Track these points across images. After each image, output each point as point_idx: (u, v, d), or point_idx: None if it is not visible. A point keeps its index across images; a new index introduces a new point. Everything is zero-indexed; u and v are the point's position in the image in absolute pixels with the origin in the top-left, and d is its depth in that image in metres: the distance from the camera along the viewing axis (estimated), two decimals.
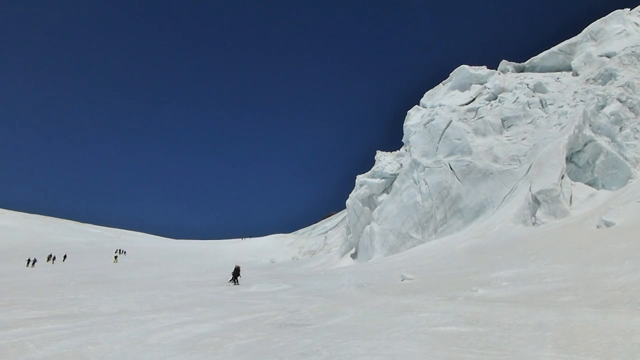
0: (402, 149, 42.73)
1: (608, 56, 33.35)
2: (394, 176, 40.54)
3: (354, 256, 41.69)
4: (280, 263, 55.75)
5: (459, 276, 13.38)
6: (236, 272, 21.65)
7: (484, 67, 40.96)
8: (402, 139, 42.72)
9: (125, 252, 55.41)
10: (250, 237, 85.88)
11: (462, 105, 38.04)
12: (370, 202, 41.52)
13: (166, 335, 7.80)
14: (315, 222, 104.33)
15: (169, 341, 7.25)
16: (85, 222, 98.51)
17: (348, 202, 43.29)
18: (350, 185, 44.90)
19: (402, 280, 15.11)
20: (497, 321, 6.59)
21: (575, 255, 12.04)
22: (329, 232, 78.45)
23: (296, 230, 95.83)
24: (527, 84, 35.81)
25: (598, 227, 14.91)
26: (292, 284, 19.77)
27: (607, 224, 14.58)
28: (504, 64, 41.41)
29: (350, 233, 44.51)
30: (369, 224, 39.58)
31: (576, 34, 38.88)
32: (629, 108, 28.01)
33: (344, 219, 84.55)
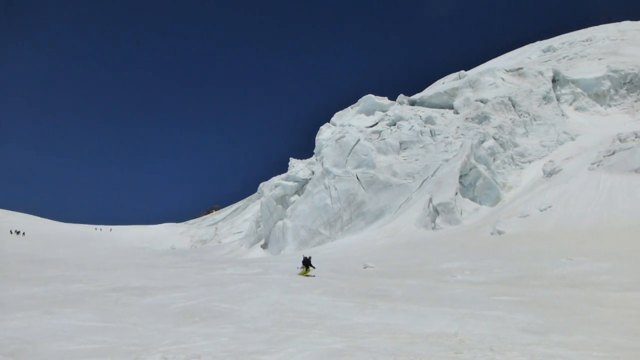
0: (313, 158, 49.35)
1: (482, 101, 43.26)
2: (306, 180, 46.91)
3: (264, 247, 47.25)
4: (181, 250, 59.19)
5: (413, 266, 18.84)
6: None
7: (386, 97, 49.45)
8: (312, 149, 49.62)
9: (24, 234, 54.27)
10: (112, 225, 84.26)
11: (368, 127, 45.82)
12: (283, 201, 47.34)
13: None
14: (194, 216, 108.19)
15: None
16: None
17: (263, 199, 48.68)
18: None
19: (364, 267, 19.30)
20: (505, 292, 13.12)
21: (492, 254, 18.90)
22: (219, 223, 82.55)
23: (185, 220, 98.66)
24: (420, 116, 44.64)
25: (492, 234, 22.85)
26: (262, 268, 23.97)
27: (499, 232, 22.52)
28: (401, 97, 50.28)
29: (260, 227, 49.95)
30: (281, 219, 45.44)
31: (455, 71, 50.09)
32: (500, 144, 37.86)
33: (232, 212, 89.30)
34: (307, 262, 18.53)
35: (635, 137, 28.19)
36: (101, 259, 32.53)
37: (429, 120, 43.78)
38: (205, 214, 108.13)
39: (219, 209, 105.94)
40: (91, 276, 16.56)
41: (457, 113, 44.65)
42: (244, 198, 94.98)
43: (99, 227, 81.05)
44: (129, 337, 6.76)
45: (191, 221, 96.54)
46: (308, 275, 17.97)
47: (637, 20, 66.36)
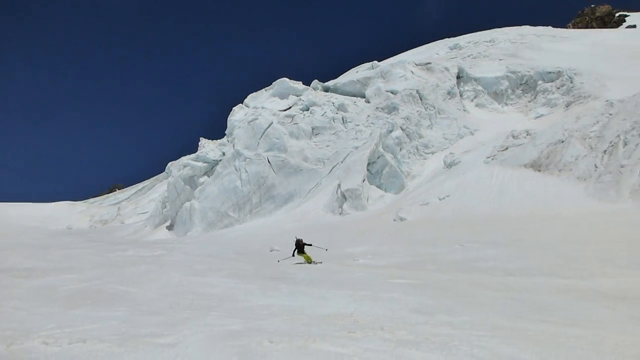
0: (225, 139, 48.34)
1: (393, 92, 44.74)
2: (216, 162, 45.99)
3: (169, 228, 45.86)
4: (78, 230, 55.80)
5: (321, 250, 19.77)
6: None
7: (300, 82, 49.41)
8: (224, 130, 48.51)
9: None
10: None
11: (281, 110, 45.69)
12: (191, 182, 46.09)
13: None
14: (95, 195, 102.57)
15: None
16: None
17: (170, 179, 47.01)
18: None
19: (270, 251, 19.79)
20: (399, 276, 13.71)
21: (394, 239, 19.80)
22: (122, 203, 78.73)
23: (85, 199, 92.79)
24: (333, 103, 45.29)
25: (394, 221, 23.86)
26: (166, 250, 23.36)
27: (402, 219, 23.57)
28: (315, 82, 50.61)
29: (166, 207, 48.33)
30: (188, 201, 44.30)
31: (368, 60, 51.14)
32: (407, 135, 39.58)
33: (138, 191, 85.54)
34: (300, 245, 15.84)
35: (527, 135, 30.64)
36: None
37: (341, 108, 44.54)
38: (108, 193, 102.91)
39: (123, 188, 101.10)
40: None
41: (369, 102, 45.84)
42: (150, 177, 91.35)
43: None
44: (7, 321, 6.28)
45: (91, 200, 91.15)
46: (313, 262, 15.40)
47: (536, 25, 71.77)
